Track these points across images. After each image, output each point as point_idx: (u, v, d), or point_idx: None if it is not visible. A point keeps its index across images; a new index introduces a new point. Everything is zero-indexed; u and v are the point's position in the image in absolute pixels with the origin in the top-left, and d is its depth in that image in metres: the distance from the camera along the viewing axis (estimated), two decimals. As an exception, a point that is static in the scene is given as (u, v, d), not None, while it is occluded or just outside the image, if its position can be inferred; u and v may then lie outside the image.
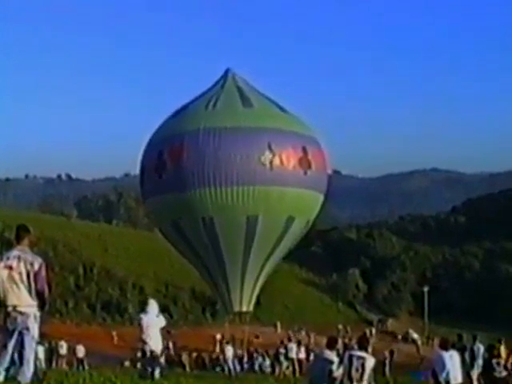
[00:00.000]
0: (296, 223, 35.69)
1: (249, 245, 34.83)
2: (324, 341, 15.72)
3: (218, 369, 41.57)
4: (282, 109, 37.01)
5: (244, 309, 37.10)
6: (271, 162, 33.72)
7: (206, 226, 34.65)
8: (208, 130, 34.04)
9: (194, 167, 33.73)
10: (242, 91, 36.88)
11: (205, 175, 33.60)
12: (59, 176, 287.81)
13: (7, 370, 9.65)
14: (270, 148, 33.78)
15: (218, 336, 56.54)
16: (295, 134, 35.54)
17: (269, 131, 34.41)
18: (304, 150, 34.94)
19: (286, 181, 34.09)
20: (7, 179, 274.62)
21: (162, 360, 40.17)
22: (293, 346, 38.51)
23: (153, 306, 17.38)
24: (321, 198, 37.60)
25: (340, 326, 68.68)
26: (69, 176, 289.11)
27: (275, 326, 71.53)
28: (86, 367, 37.30)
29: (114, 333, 58.58)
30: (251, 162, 33.57)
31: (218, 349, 50.88)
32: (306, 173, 34.80)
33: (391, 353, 42.75)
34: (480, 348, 21.37)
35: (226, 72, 38.57)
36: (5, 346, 9.59)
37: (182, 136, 34.62)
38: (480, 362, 20.87)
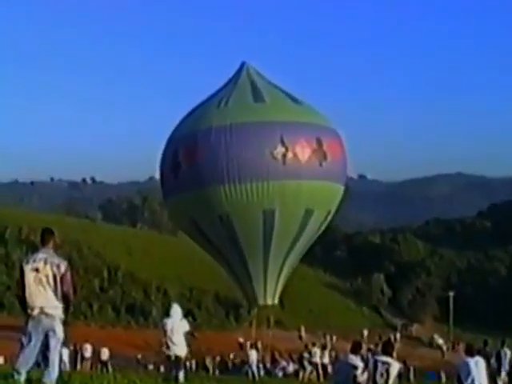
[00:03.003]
0: (315, 215, 35.60)
1: (268, 239, 34.90)
2: (348, 345, 15.62)
3: (241, 372, 41.50)
4: (295, 100, 36.79)
5: (269, 302, 37.22)
6: (284, 156, 33.65)
7: (224, 222, 34.85)
8: (220, 128, 34.17)
9: (207, 166, 33.92)
10: (255, 85, 36.85)
11: (218, 173, 33.76)
12: (84, 179, 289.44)
13: (29, 371, 9.67)
14: (282, 142, 33.73)
15: (241, 339, 56.52)
16: (309, 125, 35.36)
17: (281, 125, 34.29)
18: (318, 141, 34.78)
19: (300, 174, 34.01)
20: (32, 183, 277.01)
21: (193, 364, 40.47)
22: (317, 350, 38.30)
23: (176, 310, 17.36)
24: (340, 188, 37.41)
25: (365, 332, 68.33)
26: (93, 179, 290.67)
27: (299, 331, 71.31)
28: (110, 370, 37.37)
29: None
30: (263, 158, 33.56)
31: (242, 353, 50.86)
32: (321, 164, 34.62)
33: (404, 362, 41.68)
34: (507, 353, 21.14)
35: (242, 65, 38.68)
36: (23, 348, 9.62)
37: (195, 135, 34.86)
38: (507, 367, 20.64)
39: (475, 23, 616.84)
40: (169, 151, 36.43)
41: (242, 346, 55.07)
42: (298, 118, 35.20)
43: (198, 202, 34.88)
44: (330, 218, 37.81)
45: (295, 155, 33.90)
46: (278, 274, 36.76)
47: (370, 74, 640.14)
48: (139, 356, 49.78)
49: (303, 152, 34.17)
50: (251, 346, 40.26)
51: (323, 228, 38.19)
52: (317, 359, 37.17)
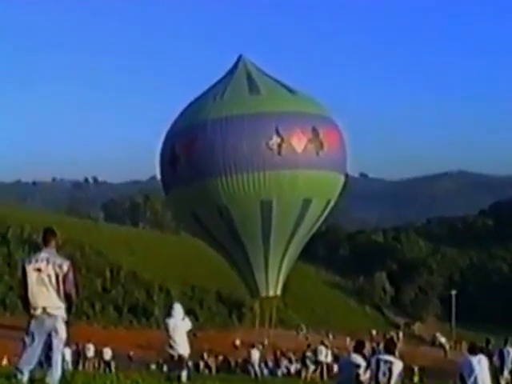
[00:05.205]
0: (314, 205, 35.54)
1: (267, 229, 34.99)
2: (351, 344, 15.62)
3: (244, 372, 41.42)
4: (291, 91, 36.79)
5: (271, 293, 37.31)
6: (280, 146, 33.68)
7: (223, 214, 35.00)
8: (215, 121, 34.30)
9: (204, 158, 34.03)
10: (251, 77, 36.91)
11: (215, 165, 33.89)
12: (86, 179, 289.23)
13: (31, 371, 9.66)
14: (277, 132, 33.78)
15: (238, 342, 56.77)
16: (304, 115, 35.34)
17: (276, 115, 34.33)
18: (314, 130, 34.75)
19: (296, 163, 34.04)
20: (34, 183, 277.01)
21: (201, 364, 40.33)
22: (322, 348, 38.10)
23: (178, 309, 17.29)
24: (339, 177, 37.32)
25: (374, 332, 68.09)
26: (95, 179, 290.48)
27: (297, 328, 71.24)
28: (113, 369, 37.37)
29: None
30: (259, 149, 33.61)
31: (242, 353, 50.86)
32: (318, 153, 34.61)
33: None
34: (510, 352, 21.02)
35: (239, 59, 38.75)
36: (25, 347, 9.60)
37: (192, 129, 35.07)
38: (509, 365, 20.52)
39: (481, 16, 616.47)
40: (167, 146, 36.67)
41: (236, 348, 55.50)
42: (293, 108, 35.24)
43: (196, 195, 35.02)
44: (330, 207, 37.66)
45: (291, 145, 33.94)
46: (279, 265, 36.83)
47: (373, 72, 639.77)
48: (131, 353, 49.81)
49: (299, 142, 34.21)
50: (253, 346, 40.19)
51: (324, 217, 38.11)
52: (322, 358, 36.98)
